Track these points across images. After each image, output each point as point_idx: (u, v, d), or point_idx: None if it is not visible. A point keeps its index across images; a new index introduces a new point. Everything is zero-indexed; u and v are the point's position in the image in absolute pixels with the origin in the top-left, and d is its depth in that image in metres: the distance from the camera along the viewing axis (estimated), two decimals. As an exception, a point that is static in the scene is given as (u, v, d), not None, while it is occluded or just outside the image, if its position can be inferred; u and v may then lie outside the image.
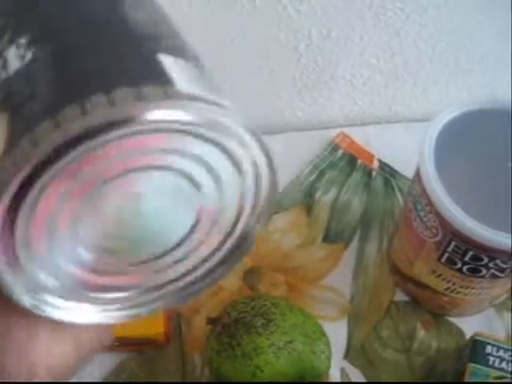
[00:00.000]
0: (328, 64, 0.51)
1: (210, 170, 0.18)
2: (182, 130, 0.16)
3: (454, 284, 0.39)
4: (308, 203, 0.49)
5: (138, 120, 0.15)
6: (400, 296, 0.45)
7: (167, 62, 0.17)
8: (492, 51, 0.52)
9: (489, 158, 0.40)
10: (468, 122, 0.38)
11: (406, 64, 0.53)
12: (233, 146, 0.18)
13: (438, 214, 0.35)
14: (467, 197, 0.36)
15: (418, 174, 0.37)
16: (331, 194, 0.49)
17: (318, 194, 0.49)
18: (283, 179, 0.49)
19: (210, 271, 0.21)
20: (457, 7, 0.48)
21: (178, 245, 0.20)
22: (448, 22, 0.49)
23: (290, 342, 0.37)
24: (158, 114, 0.16)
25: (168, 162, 0.17)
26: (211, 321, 0.39)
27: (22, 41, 0.17)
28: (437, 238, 0.36)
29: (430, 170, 0.35)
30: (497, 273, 0.36)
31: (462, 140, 0.38)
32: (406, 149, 0.41)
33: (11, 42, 0.17)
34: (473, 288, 0.39)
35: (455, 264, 0.37)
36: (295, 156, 0.51)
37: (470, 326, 0.44)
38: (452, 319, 0.44)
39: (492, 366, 0.38)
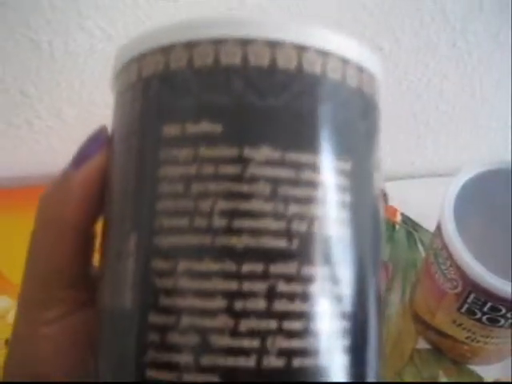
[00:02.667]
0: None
1: None
2: None
3: (474, 333, 0.41)
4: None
5: None
6: (422, 344, 0.46)
7: None
8: (509, 112, 0.54)
9: (506, 215, 0.42)
10: (486, 180, 0.41)
11: (427, 124, 0.55)
12: None
13: (458, 268, 0.37)
14: (486, 251, 0.37)
15: (438, 229, 0.39)
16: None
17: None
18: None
19: None
20: (474, 73, 0.51)
21: None
22: (467, 85, 0.52)
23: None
24: None
25: None
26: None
27: None
28: (457, 290, 0.38)
29: (450, 227, 0.37)
30: (515, 323, 0.38)
31: (480, 196, 0.41)
32: (428, 203, 0.43)
33: None
34: (492, 337, 0.40)
35: (475, 314, 0.39)
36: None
37: (490, 372, 0.45)
38: (474, 366, 0.45)
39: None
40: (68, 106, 0.50)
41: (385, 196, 0.19)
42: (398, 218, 0.53)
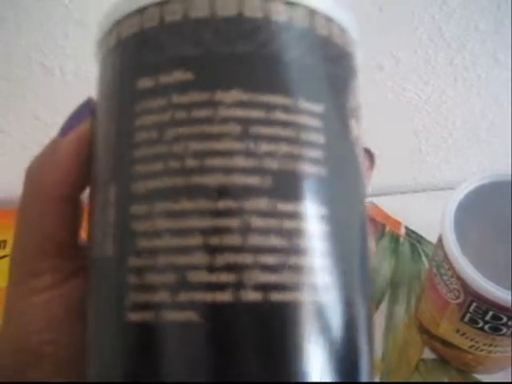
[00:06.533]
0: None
1: None
2: None
3: (477, 342, 0.41)
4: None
5: None
6: (428, 354, 0.47)
7: None
8: (509, 126, 0.56)
9: (506, 225, 0.43)
10: (486, 193, 0.42)
11: (427, 138, 0.57)
12: None
13: (459, 278, 0.38)
14: (486, 261, 0.38)
15: (440, 241, 0.40)
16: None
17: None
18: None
19: None
20: (472, 89, 0.52)
21: None
22: (466, 101, 0.53)
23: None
24: None
25: None
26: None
27: None
28: (459, 300, 0.39)
29: (450, 238, 0.38)
30: (517, 331, 0.39)
31: (481, 208, 0.42)
32: (431, 216, 0.44)
33: None
34: (496, 346, 0.41)
35: (477, 323, 0.39)
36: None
37: (495, 381, 0.45)
38: (478, 375, 0.46)
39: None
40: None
41: (370, 154, 0.19)
42: (402, 231, 0.54)
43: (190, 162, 0.15)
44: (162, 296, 0.14)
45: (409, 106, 0.53)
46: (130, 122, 0.16)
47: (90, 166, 0.18)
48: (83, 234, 0.19)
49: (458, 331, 0.42)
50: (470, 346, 0.42)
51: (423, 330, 0.47)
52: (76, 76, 0.47)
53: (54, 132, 0.53)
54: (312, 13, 0.16)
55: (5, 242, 0.50)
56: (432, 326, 0.45)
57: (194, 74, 0.15)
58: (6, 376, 0.18)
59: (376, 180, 0.60)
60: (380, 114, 0.53)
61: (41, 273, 0.18)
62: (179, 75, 0.15)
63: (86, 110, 0.19)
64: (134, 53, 0.16)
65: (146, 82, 0.16)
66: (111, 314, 0.15)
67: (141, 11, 0.16)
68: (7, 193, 0.55)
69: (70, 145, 0.18)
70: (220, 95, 0.15)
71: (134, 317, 0.14)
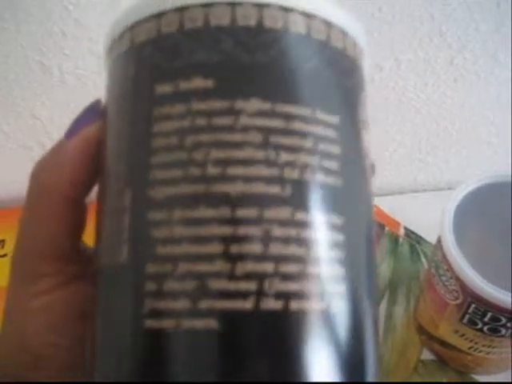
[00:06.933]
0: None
1: None
2: None
3: (476, 343, 0.41)
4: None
5: None
6: (427, 355, 0.47)
7: None
8: (508, 126, 0.56)
9: (506, 226, 0.43)
10: (485, 193, 0.41)
11: (427, 138, 0.56)
12: None
13: (457, 279, 0.38)
14: (485, 262, 0.38)
15: (439, 242, 0.40)
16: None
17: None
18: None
19: None
20: (472, 89, 0.52)
21: None
22: (466, 101, 0.53)
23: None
24: None
25: None
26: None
27: None
28: (458, 301, 0.39)
29: (449, 238, 0.38)
30: (516, 332, 0.38)
31: (480, 209, 0.42)
32: (430, 216, 0.43)
33: None
34: (494, 347, 0.41)
35: (476, 324, 0.39)
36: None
37: (494, 382, 0.45)
38: (477, 376, 0.46)
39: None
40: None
41: (372, 168, 0.20)
42: (402, 232, 0.54)
43: (211, 170, 0.15)
44: (182, 304, 0.14)
45: (408, 106, 0.53)
46: (147, 127, 0.16)
47: (96, 169, 0.18)
48: (86, 238, 0.19)
49: (456, 332, 0.42)
50: (469, 348, 0.42)
51: (422, 330, 0.47)
52: (74, 75, 0.47)
53: (52, 131, 0.53)
54: (329, 25, 0.17)
55: (3, 241, 0.50)
56: (431, 326, 0.45)
57: (214, 81, 0.15)
58: (6, 377, 0.18)
59: (375, 180, 0.61)
60: (380, 114, 0.53)
61: (43, 275, 0.18)
62: (199, 82, 0.15)
63: (93, 112, 0.19)
64: (151, 57, 0.16)
65: (164, 88, 0.16)
66: (127, 321, 0.15)
67: (158, 16, 0.16)
68: (6, 192, 0.55)
69: (76, 147, 0.18)
70: (241, 104, 0.15)
71: (152, 324, 0.14)
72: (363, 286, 0.16)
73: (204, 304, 0.14)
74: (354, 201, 0.16)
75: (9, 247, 0.50)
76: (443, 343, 0.44)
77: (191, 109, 0.15)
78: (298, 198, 0.15)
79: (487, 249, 0.42)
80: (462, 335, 0.42)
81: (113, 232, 0.16)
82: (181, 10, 0.16)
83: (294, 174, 0.15)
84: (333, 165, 0.16)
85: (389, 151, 0.57)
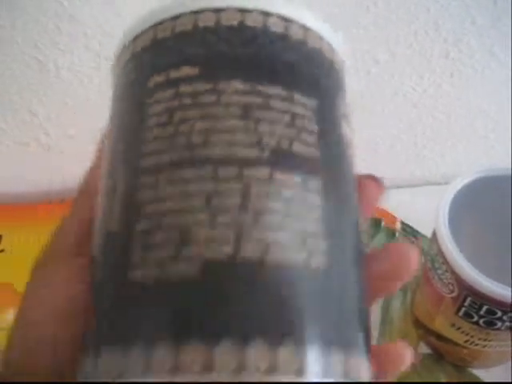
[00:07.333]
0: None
1: None
2: None
3: (472, 337, 0.41)
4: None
5: None
6: (424, 349, 0.47)
7: None
8: (505, 120, 0.56)
9: (501, 220, 0.43)
10: (481, 187, 0.42)
11: (424, 132, 0.57)
12: None
13: (453, 272, 0.38)
14: (480, 255, 0.38)
15: (434, 235, 0.40)
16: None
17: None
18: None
19: None
20: (469, 83, 0.52)
21: None
22: (462, 95, 0.53)
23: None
24: None
25: None
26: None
27: None
28: (453, 294, 0.39)
29: (444, 232, 0.38)
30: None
31: (475, 203, 0.42)
32: (427, 210, 0.43)
33: None
34: (490, 340, 0.41)
35: (472, 317, 0.39)
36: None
37: (492, 376, 0.45)
38: (475, 370, 0.46)
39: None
40: (75, 123, 0.51)
41: (377, 180, 0.22)
42: (398, 226, 0.54)
43: (195, 138, 0.16)
44: (167, 252, 0.15)
45: (404, 100, 0.53)
46: (143, 112, 0.17)
47: None
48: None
49: (453, 325, 0.42)
50: (465, 341, 0.42)
51: (419, 324, 0.47)
52: (70, 71, 0.47)
53: (49, 127, 0.53)
54: (305, 29, 0.19)
55: (0, 236, 0.51)
56: (427, 320, 0.45)
57: (200, 68, 0.17)
58: (17, 367, 0.18)
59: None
60: (376, 108, 0.53)
61: (78, 255, 0.19)
62: (187, 70, 0.17)
63: None
64: (148, 58, 0.18)
65: (157, 78, 0.18)
66: (115, 276, 0.16)
67: (156, 25, 0.19)
68: (3, 188, 0.56)
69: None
70: (223, 85, 0.17)
71: (139, 274, 0.15)
72: (345, 244, 0.17)
73: (186, 251, 0.15)
74: (333, 168, 0.18)
75: (6, 243, 0.50)
76: (440, 337, 0.44)
77: (179, 91, 0.17)
78: (276, 161, 0.16)
79: (482, 242, 0.42)
80: (458, 328, 0.42)
81: (107, 206, 0.17)
82: (174, 18, 0.18)
83: (272, 142, 0.16)
84: (311, 138, 0.17)
85: (385, 145, 0.57)
